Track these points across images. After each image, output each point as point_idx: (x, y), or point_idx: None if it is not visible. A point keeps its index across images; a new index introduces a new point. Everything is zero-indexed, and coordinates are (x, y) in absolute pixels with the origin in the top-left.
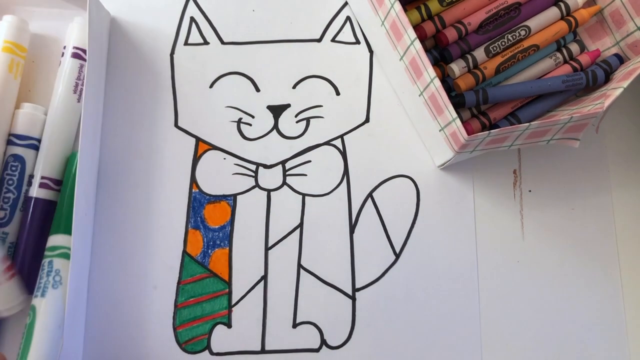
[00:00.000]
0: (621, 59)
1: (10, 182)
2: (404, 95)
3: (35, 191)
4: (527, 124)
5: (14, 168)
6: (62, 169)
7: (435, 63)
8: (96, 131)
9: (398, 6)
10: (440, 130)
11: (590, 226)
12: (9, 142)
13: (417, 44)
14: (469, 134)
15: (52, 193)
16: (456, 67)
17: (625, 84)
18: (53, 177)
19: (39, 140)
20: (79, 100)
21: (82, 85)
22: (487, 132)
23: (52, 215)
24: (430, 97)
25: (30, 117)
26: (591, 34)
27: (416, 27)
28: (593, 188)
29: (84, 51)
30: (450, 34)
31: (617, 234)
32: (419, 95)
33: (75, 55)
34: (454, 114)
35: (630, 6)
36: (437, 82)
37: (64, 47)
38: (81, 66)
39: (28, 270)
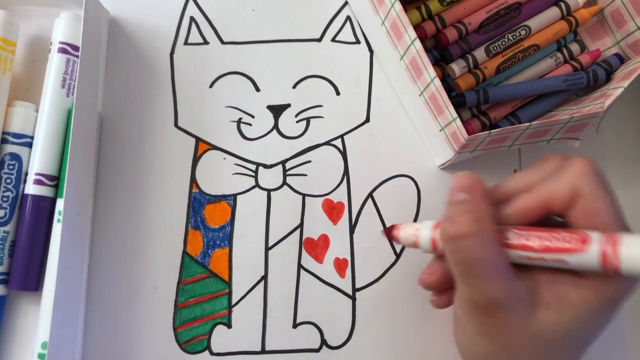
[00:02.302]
0: (622, 59)
1: (9, 180)
2: (404, 95)
3: (30, 188)
4: (528, 123)
5: (11, 166)
6: (56, 165)
7: (436, 63)
8: (93, 131)
9: (398, 6)
10: (440, 130)
11: None
12: (4, 141)
13: (418, 44)
14: (469, 133)
15: (48, 189)
16: (456, 67)
17: (626, 83)
18: (47, 173)
19: (32, 138)
20: (67, 94)
21: (71, 79)
22: (488, 132)
23: (48, 211)
24: (430, 97)
25: (23, 114)
26: (591, 34)
27: (416, 27)
28: None
29: (71, 46)
30: (451, 34)
31: None
32: (419, 95)
33: (61, 50)
34: (454, 114)
35: (631, 6)
36: (437, 82)
37: (51, 43)
38: (68, 60)
39: (28, 268)
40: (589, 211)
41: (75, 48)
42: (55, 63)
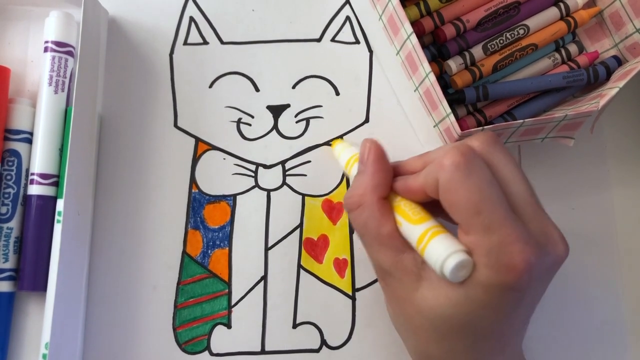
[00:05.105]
0: (619, 61)
1: (9, 177)
2: (401, 91)
3: (32, 187)
4: (521, 120)
5: (10, 163)
6: (55, 163)
7: (433, 59)
8: (93, 131)
9: (395, 0)
10: (434, 126)
11: (590, 225)
12: (4, 138)
13: (414, 39)
14: (463, 130)
15: (50, 188)
16: (453, 64)
17: (621, 84)
18: (48, 172)
19: (31, 134)
20: (59, 92)
21: (64, 77)
22: (481, 128)
23: (52, 211)
24: (425, 92)
25: (20, 111)
26: (590, 35)
27: (415, 23)
28: (593, 187)
29: (62, 44)
30: (449, 31)
31: (617, 233)
32: (414, 91)
33: (52, 50)
34: (448, 109)
35: (630, 8)
36: (432, 77)
37: (45, 42)
38: (60, 59)
39: (37, 269)
40: (446, 202)
41: (66, 46)
42: (47, 62)
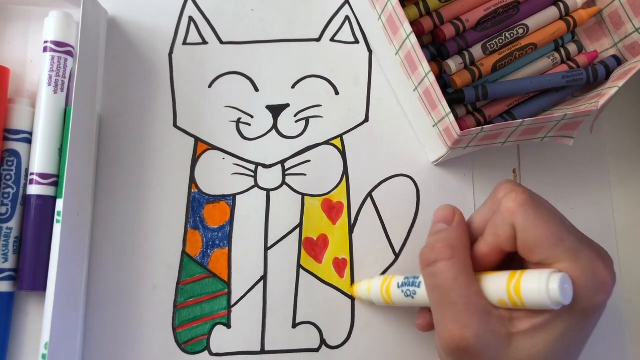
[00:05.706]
0: (619, 61)
1: (8, 177)
2: (400, 91)
3: (32, 186)
4: (521, 120)
5: (10, 163)
6: (55, 163)
7: (433, 59)
8: (92, 131)
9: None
10: (434, 126)
11: (590, 225)
12: (3, 138)
13: (413, 38)
14: (462, 129)
15: (50, 187)
16: (452, 63)
17: (621, 83)
18: (47, 172)
19: (30, 134)
20: (58, 93)
21: (63, 77)
22: (480, 127)
23: (52, 211)
24: (424, 92)
25: (20, 111)
26: (589, 35)
27: (414, 23)
28: (593, 187)
29: (62, 44)
30: (448, 30)
31: (616, 233)
32: (414, 90)
33: (52, 50)
34: (448, 109)
35: (629, 7)
36: (432, 77)
37: (44, 42)
38: (59, 59)
39: (37, 268)
40: (526, 246)
41: (66, 46)
42: (47, 62)
